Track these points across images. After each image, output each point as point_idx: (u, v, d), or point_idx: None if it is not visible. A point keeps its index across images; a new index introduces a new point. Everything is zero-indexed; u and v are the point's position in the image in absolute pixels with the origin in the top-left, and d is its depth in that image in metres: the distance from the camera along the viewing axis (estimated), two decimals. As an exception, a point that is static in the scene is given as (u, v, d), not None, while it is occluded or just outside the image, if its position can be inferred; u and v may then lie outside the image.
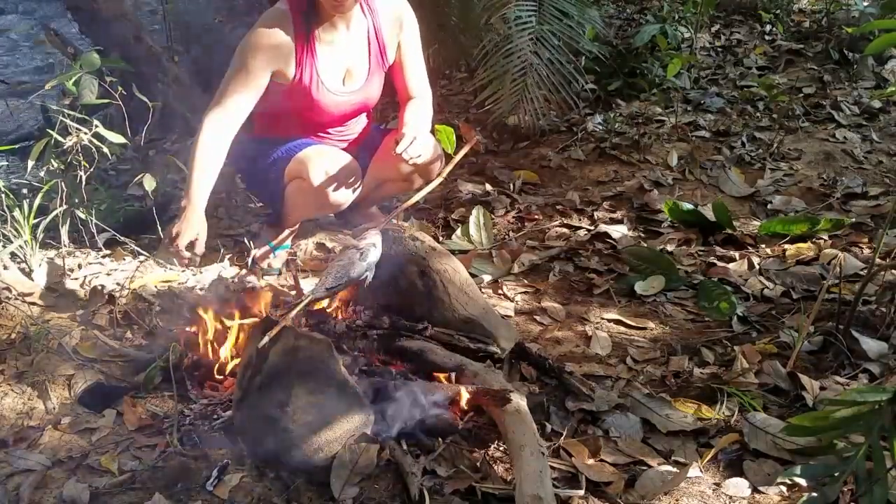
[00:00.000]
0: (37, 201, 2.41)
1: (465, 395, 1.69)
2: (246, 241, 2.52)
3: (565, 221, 2.82)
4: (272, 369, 1.59)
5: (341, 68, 2.32)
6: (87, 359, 1.95)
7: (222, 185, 3.11)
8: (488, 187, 3.11)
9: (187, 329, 1.99)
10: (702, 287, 2.32)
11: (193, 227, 2.05)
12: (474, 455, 1.64)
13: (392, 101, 3.03)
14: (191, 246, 2.03)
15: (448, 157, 2.16)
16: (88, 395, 1.83)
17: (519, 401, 1.60)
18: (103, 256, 2.55)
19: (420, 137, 2.19)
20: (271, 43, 2.18)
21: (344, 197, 2.34)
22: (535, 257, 2.57)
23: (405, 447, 1.62)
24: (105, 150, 2.40)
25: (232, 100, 2.18)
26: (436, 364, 1.82)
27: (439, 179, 2.10)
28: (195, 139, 2.14)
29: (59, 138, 2.37)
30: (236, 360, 1.86)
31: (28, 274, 2.31)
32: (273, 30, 2.18)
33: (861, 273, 2.26)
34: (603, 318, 2.23)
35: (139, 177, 2.47)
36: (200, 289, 2.29)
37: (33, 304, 2.12)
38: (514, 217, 2.91)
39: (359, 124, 2.54)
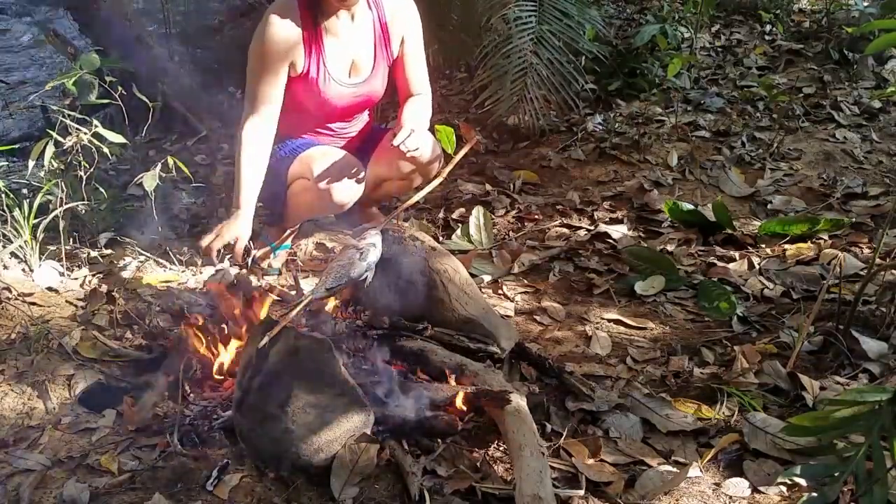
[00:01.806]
0: (37, 201, 2.41)
1: (464, 396, 1.69)
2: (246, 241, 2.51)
3: (565, 221, 2.82)
4: (272, 369, 1.59)
5: (347, 60, 2.32)
6: (87, 359, 1.95)
7: (223, 185, 3.13)
8: (488, 187, 3.11)
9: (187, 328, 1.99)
10: (702, 287, 2.32)
11: (234, 231, 2.13)
12: (474, 455, 1.64)
13: (392, 100, 3.03)
14: (229, 248, 2.12)
15: (448, 157, 2.16)
16: (88, 395, 1.83)
17: (519, 401, 1.60)
18: (103, 256, 2.55)
19: (418, 131, 2.19)
20: (282, 34, 2.20)
21: (347, 198, 2.35)
22: (535, 257, 2.57)
23: (405, 447, 1.62)
24: (105, 150, 2.40)
25: (260, 100, 2.23)
26: (436, 364, 1.82)
27: (439, 179, 2.10)
28: (237, 151, 2.21)
29: (59, 138, 2.36)
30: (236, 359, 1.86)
31: (28, 274, 2.31)
32: (282, 21, 2.20)
33: (861, 273, 2.25)
34: (603, 318, 2.23)
35: (139, 177, 2.47)
36: (200, 289, 2.29)
37: (33, 304, 2.12)
38: (514, 217, 2.91)
39: (361, 122, 2.55)
